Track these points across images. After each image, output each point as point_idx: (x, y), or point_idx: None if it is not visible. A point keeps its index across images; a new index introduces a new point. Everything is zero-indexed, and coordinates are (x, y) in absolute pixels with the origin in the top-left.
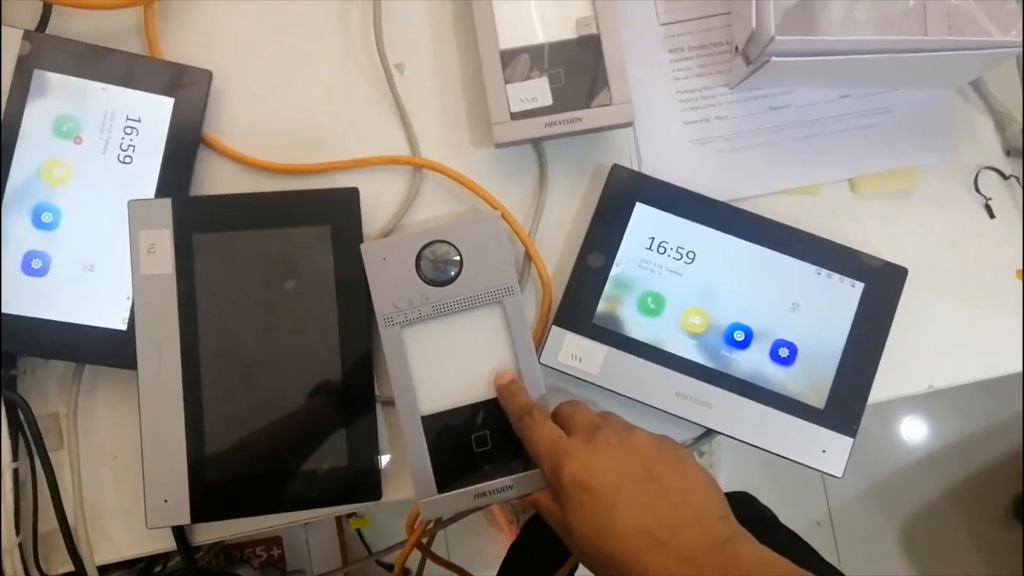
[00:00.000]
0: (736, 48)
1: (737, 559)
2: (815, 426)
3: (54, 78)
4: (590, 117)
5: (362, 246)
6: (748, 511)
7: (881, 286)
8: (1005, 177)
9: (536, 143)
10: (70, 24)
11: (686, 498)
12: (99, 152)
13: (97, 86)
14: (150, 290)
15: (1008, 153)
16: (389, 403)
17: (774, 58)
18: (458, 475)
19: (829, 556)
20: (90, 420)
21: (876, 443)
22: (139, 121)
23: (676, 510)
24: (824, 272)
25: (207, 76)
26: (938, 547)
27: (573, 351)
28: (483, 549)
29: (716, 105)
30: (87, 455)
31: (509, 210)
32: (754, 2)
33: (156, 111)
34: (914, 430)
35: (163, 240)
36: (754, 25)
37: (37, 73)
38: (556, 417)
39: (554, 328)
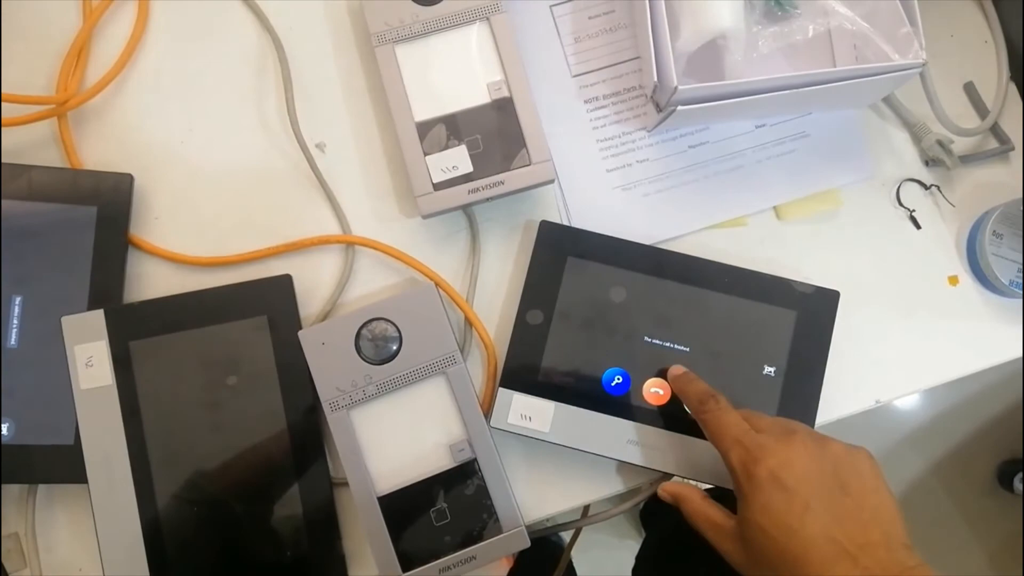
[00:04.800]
0: (647, 95)
1: None
2: None
3: None
4: (511, 179)
5: (300, 333)
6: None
7: (814, 311)
8: (926, 187)
9: (464, 207)
10: None
11: (876, 517)
12: None
13: (18, 204)
14: (92, 403)
15: (927, 163)
16: (345, 483)
17: (680, 107)
18: (421, 551)
19: None
20: (50, 536)
21: (858, 426)
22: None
23: (866, 528)
24: (756, 304)
25: (128, 180)
26: (928, 521)
27: (522, 411)
28: None
29: (636, 149)
30: (51, 572)
31: (444, 277)
32: (653, 55)
33: (81, 221)
34: (894, 410)
35: (100, 352)
36: (654, 78)
37: None
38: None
39: (501, 390)
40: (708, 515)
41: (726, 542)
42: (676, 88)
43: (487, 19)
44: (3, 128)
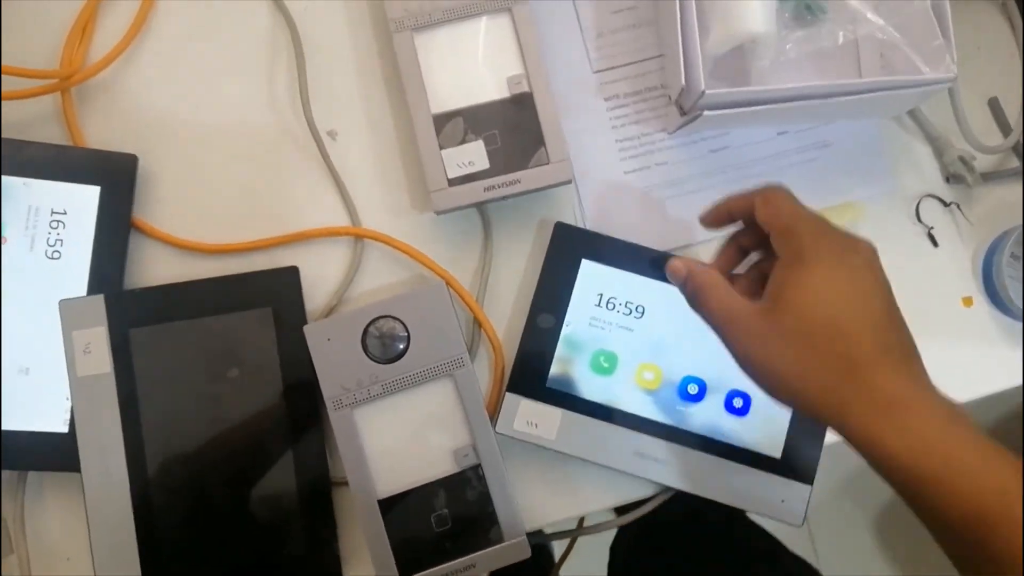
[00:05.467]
0: (670, 97)
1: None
2: (773, 476)
3: None
4: (528, 178)
5: (305, 328)
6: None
7: None
8: (946, 204)
9: (479, 205)
10: None
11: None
12: (25, 250)
13: (18, 181)
14: (89, 391)
15: (948, 180)
16: (344, 483)
17: (706, 112)
18: (420, 557)
19: (805, 553)
20: (40, 522)
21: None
22: (65, 213)
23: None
24: None
25: (132, 160)
26: (913, 536)
27: (528, 417)
28: None
29: (656, 151)
30: (38, 558)
31: (455, 275)
32: (681, 58)
33: (82, 202)
34: None
35: (98, 338)
36: (682, 81)
37: None
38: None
39: (508, 395)
40: (729, 305)
41: (745, 336)
42: (703, 92)
43: (509, 10)
44: (3, 102)
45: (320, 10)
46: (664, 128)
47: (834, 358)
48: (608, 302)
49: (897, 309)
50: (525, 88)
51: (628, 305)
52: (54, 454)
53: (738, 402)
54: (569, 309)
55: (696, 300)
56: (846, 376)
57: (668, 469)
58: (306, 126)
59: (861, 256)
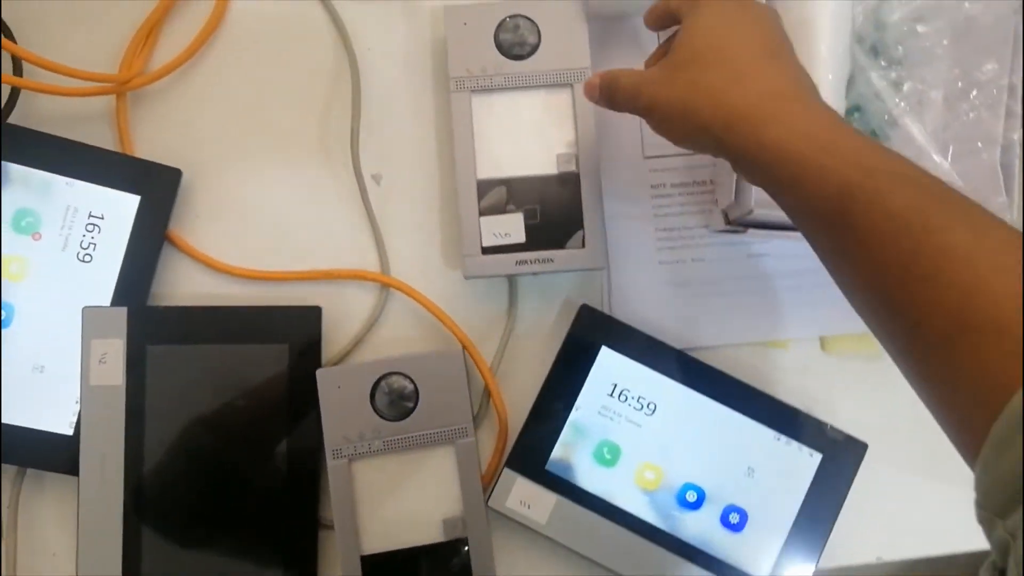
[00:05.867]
0: (717, 201)
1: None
2: None
3: (16, 170)
4: (562, 259)
5: (318, 372)
6: None
7: (839, 459)
8: None
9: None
10: (39, 105)
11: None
12: (58, 249)
13: (61, 180)
14: (98, 401)
15: None
16: (329, 527)
17: (752, 230)
18: None
19: None
20: (33, 514)
21: None
22: (102, 218)
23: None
24: (784, 438)
25: (177, 175)
26: None
27: (522, 497)
28: None
29: (694, 247)
30: (25, 549)
31: (474, 339)
32: (734, 180)
33: (121, 208)
34: None
35: (115, 350)
36: (732, 197)
37: (2, 165)
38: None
39: (505, 471)
40: (635, 77)
41: (651, 87)
42: (752, 211)
43: (571, 86)
44: (61, 97)
45: (384, 55)
46: (707, 224)
47: (721, 69)
48: (621, 393)
49: (787, 37)
50: (573, 168)
51: (641, 400)
52: (55, 455)
53: (734, 517)
54: (581, 394)
55: (612, 94)
56: (733, 83)
57: (654, 574)
58: (351, 166)
59: None
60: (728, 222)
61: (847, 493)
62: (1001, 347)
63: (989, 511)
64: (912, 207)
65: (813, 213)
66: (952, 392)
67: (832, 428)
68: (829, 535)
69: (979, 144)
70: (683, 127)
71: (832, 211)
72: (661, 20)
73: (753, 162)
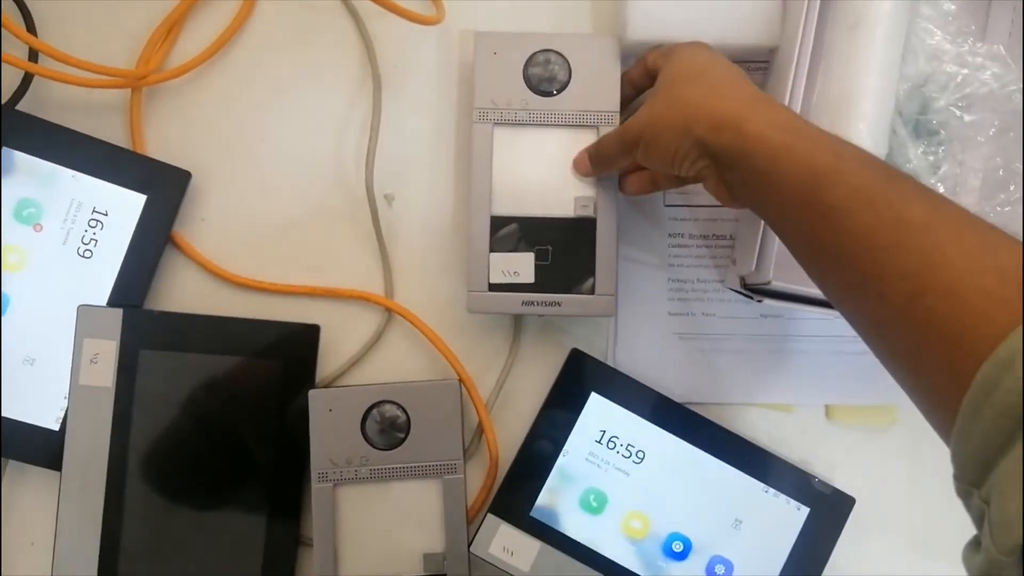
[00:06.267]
0: (735, 261)
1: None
2: None
3: (22, 158)
4: (569, 304)
5: (310, 392)
6: None
7: (827, 513)
8: None
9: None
10: (52, 93)
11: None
12: (59, 242)
13: (67, 173)
14: (86, 401)
15: None
16: (310, 544)
17: (767, 300)
18: None
19: None
20: (12, 504)
21: None
22: (106, 215)
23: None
24: (771, 491)
25: (186, 177)
26: None
27: (506, 543)
28: None
29: (705, 300)
30: (3, 536)
31: (473, 373)
32: (757, 245)
33: (126, 206)
34: None
35: (108, 352)
36: (752, 267)
37: (5, 152)
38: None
39: (489, 516)
40: (620, 128)
41: (636, 118)
42: (770, 282)
43: (596, 127)
44: (75, 89)
45: (409, 74)
46: (721, 279)
47: (703, 84)
48: (610, 441)
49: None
50: (591, 213)
51: (629, 448)
52: (40, 450)
53: (720, 569)
54: (569, 439)
55: (598, 148)
56: (714, 94)
57: None
58: (364, 184)
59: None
60: (744, 286)
61: (833, 547)
62: (955, 308)
63: (965, 483)
64: (875, 185)
65: (786, 194)
66: (918, 362)
67: (820, 481)
68: None
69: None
70: (671, 138)
71: (804, 190)
72: (640, 80)
73: (735, 156)
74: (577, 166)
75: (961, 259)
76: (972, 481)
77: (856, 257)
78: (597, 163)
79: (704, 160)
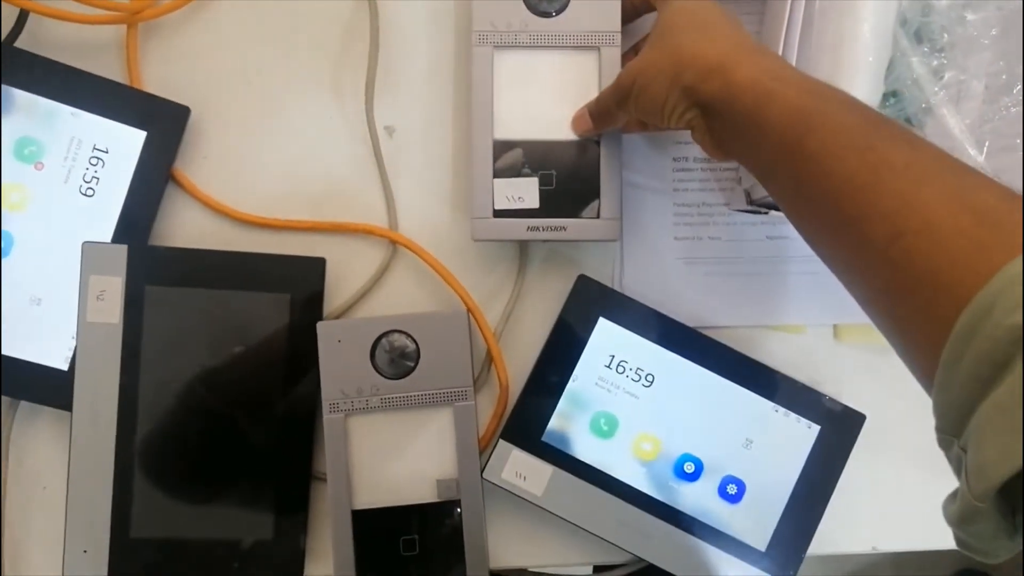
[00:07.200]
0: (740, 180)
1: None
2: (753, 568)
3: (21, 96)
4: (575, 228)
5: (319, 324)
6: None
7: (837, 431)
8: None
9: (519, 242)
10: (48, 31)
11: None
12: (60, 181)
13: (67, 110)
14: (94, 338)
15: None
16: (322, 479)
17: (772, 212)
18: (381, 574)
19: None
20: (24, 448)
21: None
22: (107, 152)
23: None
24: (782, 410)
25: (185, 112)
26: None
27: (518, 469)
28: None
29: (711, 224)
30: (14, 481)
31: (480, 302)
32: None
33: (126, 143)
34: None
35: (114, 288)
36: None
37: (4, 89)
38: None
39: (501, 442)
40: (615, 82)
41: (631, 66)
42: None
43: (597, 49)
44: (71, 24)
45: (406, 2)
46: (727, 202)
47: (695, 32)
48: (619, 365)
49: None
50: (595, 136)
51: (639, 372)
52: (50, 389)
53: (732, 488)
54: (579, 365)
55: (597, 101)
56: (706, 40)
57: (650, 544)
58: (364, 116)
59: None
60: (750, 202)
61: (844, 464)
62: (932, 249)
63: (947, 432)
64: (857, 128)
65: (772, 139)
66: (898, 306)
67: (830, 399)
68: (825, 509)
69: (1017, 141)
70: (661, 87)
71: (789, 135)
72: (637, 6)
73: (723, 103)
74: (577, 124)
75: (937, 199)
76: (952, 431)
77: (838, 199)
78: (597, 118)
79: (693, 111)
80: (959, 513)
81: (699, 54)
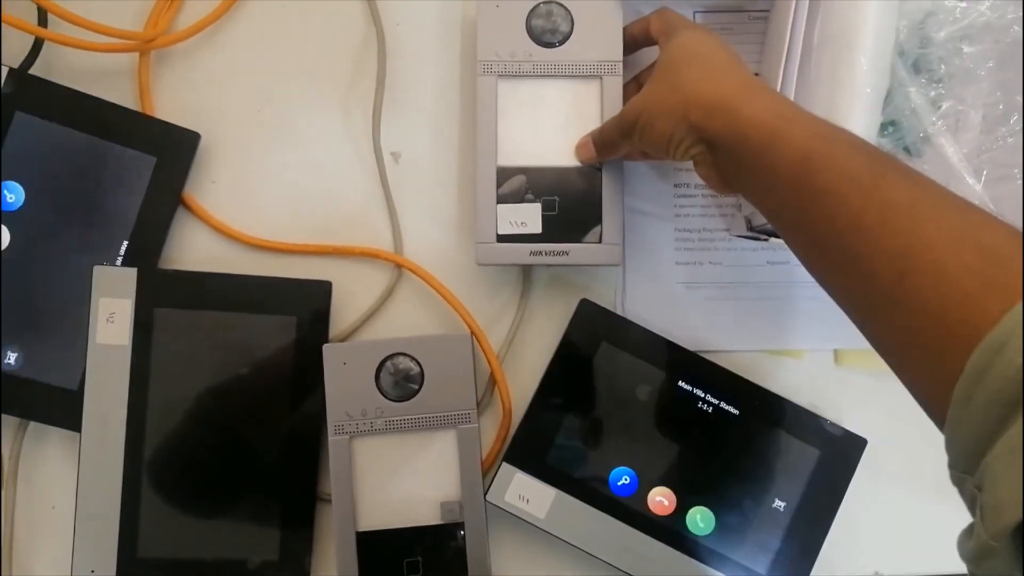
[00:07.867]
0: (740, 207)
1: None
2: None
3: (36, 123)
4: (577, 253)
5: (325, 347)
6: None
7: (839, 455)
8: None
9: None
10: (62, 57)
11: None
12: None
13: (79, 136)
14: (104, 360)
15: None
16: (327, 501)
17: (772, 238)
18: None
19: None
20: (34, 466)
21: None
22: (118, 177)
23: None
24: (783, 434)
25: (195, 138)
26: None
27: (521, 491)
28: None
29: (712, 250)
30: (24, 500)
31: (484, 326)
32: None
33: (137, 168)
34: None
35: (123, 310)
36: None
37: (19, 116)
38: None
39: (504, 465)
40: (618, 115)
41: (635, 101)
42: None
43: (600, 78)
44: (84, 51)
45: (413, 31)
46: (727, 228)
47: (700, 68)
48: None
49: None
50: (596, 163)
51: None
52: (59, 410)
53: (734, 512)
54: (580, 388)
55: (601, 132)
56: (711, 78)
57: (653, 568)
58: (371, 142)
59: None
60: (751, 228)
61: (846, 488)
62: (940, 287)
63: (959, 470)
64: (863, 168)
65: (779, 178)
66: (908, 344)
67: (831, 423)
68: (827, 533)
69: (1015, 171)
70: (667, 123)
71: (795, 173)
72: (641, 37)
73: (729, 141)
74: (581, 152)
75: (943, 238)
76: (965, 468)
77: (845, 239)
78: (601, 148)
79: (698, 146)
80: (975, 551)
81: (705, 91)
